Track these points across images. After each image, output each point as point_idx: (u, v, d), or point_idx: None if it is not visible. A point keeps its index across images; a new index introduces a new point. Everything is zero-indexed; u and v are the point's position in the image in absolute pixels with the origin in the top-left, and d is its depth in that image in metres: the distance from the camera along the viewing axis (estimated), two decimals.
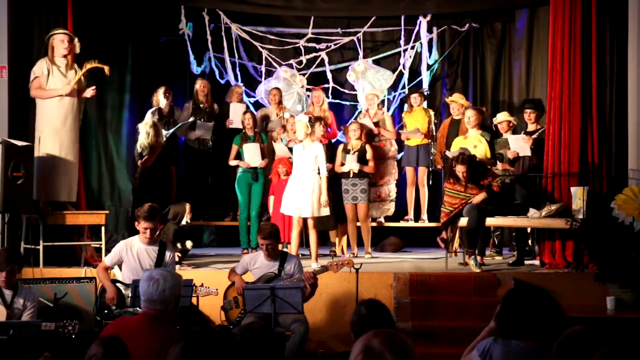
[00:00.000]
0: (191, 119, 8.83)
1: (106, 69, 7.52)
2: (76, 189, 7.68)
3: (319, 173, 7.64)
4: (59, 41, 7.46)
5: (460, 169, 7.22)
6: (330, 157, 8.44)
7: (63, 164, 7.48)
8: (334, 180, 8.53)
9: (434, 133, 9.09)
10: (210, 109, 9.12)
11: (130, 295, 5.75)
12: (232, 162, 8.59)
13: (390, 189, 8.96)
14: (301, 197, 7.60)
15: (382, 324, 3.22)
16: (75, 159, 7.64)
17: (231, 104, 9.12)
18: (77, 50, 7.63)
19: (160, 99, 8.58)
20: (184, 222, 7.49)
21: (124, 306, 5.89)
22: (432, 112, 9.25)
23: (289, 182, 7.77)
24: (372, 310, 3.41)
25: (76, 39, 7.60)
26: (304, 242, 7.94)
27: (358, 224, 8.45)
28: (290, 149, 8.31)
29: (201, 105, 9.05)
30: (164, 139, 7.97)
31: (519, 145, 7.84)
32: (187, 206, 7.54)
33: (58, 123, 7.42)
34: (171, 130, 8.46)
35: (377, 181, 8.81)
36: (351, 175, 8.31)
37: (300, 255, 7.39)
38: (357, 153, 8.29)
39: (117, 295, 5.91)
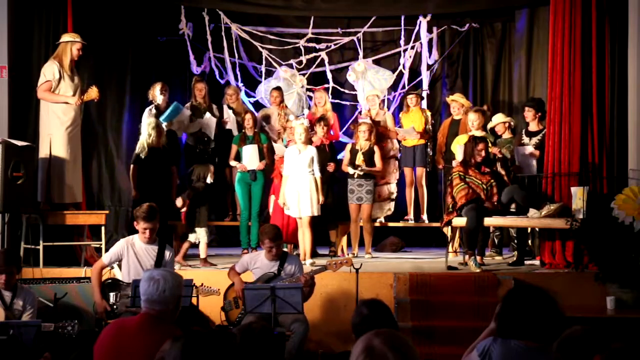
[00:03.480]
0: (188, 112, 8.83)
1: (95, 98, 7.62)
2: (80, 189, 7.72)
3: (313, 174, 7.80)
4: (77, 49, 7.49)
5: (481, 147, 7.33)
6: (332, 158, 8.46)
7: (73, 166, 7.54)
8: (338, 181, 8.54)
9: (432, 133, 9.09)
10: (209, 110, 9.11)
11: (130, 295, 5.74)
12: (232, 163, 8.59)
13: (390, 188, 8.96)
14: (300, 198, 7.71)
15: (384, 324, 3.21)
16: (80, 159, 7.70)
17: (224, 105, 9.12)
18: None
19: (157, 94, 8.55)
20: (208, 181, 7.91)
21: (112, 317, 5.81)
22: (429, 113, 9.25)
23: (287, 185, 7.83)
24: (374, 310, 3.41)
25: None
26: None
27: (360, 223, 8.46)
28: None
29: (200, 107, 9.04)
30: (165, 138, 8.01)
31: (525, 162, 7.81)
32: (211, 167, 7.97)
33: (70, 126, 7.45)
34: (164, 115, 8.41)
35: (379, 181, 8.80)
36: (355, 177, 8.32)
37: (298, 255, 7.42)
38: (360, 155, 8.28)
39: (105, 308, 5.89)
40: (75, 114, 7.50)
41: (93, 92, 7.49)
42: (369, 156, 8.32)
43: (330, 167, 8.28)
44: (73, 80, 7.50)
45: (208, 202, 7.95)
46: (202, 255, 7.82)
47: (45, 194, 7.46)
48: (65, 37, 7.51)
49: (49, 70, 7.40)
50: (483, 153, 7.38)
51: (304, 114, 9.37)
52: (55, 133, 7.42)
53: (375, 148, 8.38)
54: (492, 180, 7.33)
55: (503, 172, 7.56)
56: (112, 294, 5.97)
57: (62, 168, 7.44)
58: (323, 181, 8.03)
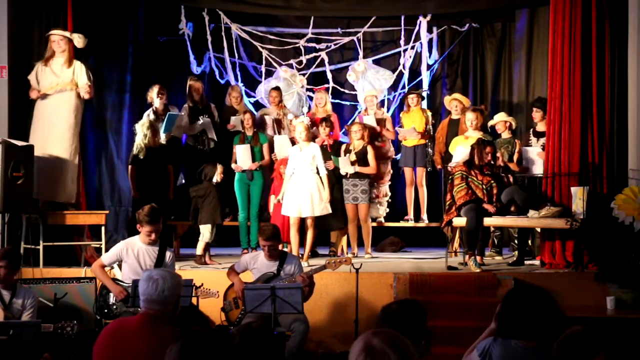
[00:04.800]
0: (183, 114, 8.82)
1: (79, 41, 7.60)
2: (75, 189, 7.68)
3: (317, 173, 7.75)
4: (52, 42, 7.55)
5: (489, 150, 7.35)
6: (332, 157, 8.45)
7: (59, 164, 7.49)
8: (338, 181, 8.53)
9: (432, 133, 9.09)
10: (207, 109, 9.09)
11: (130, 295, 5.74)
12: (234, 165, 8.57)
13: (386, 189, 8.96)
14: (300, 198, 7.69)
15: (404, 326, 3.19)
16: (74, 158, 7.64)
17: (232, 117, 9.05)
18: (81, 45, 7.64)
19: (154, 97, 8.55)
20: (214, 181, 7.99)
21: (112, 317, 5.85)
22: (429, 113, 9.25)
23: (289, 183, 7.83)
24: (403, 310, 3.39)
25: (77, 36, 7.59)
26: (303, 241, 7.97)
27: (359, 224, 8.45)
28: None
29: (199, 107, 9.03)
30: (162, 139, 8.02)
31: (532, 163, 7.85)
32: (219, 167, 7.99)
33: (55, 123, 7.44)
34: (163, 128, 8.41)
35: (377, 181, 8.80)
36: (348, 177, 8.32)
37: (300, 256, 7.42)
38: (352, 155, 8.27)
39: (124, 289, 5.90)
40: (63, 110, 7.47)
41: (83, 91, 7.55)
42: (362, 156, 8.32)
43: (329, 165, 8.26)
44: (60, 73, 7.50)
45: (214, 202, 7.91)
46: (198, 252, 7.83)
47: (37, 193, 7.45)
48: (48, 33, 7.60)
49: (31, 72, 7.54)
50: (489, 156, 7.38)
51: (303, 113, 9.37)
52: (40, 130, 7.42)
53: (369, 148, 8.37)
54: (492, 182, 7.34)
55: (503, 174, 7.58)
56: (112, 294, 5.97)
57: (47, 165, 7.40)
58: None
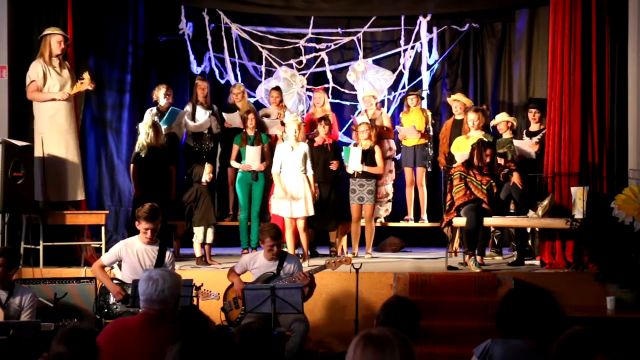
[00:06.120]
0: (186, 110, 8.81)
1: (90, 86, 7.52)
2: (83, 187, 7.68)
3: (305, 172, 7.77)
4: (56, 42, 7.46)
5: (489, 152, 7.32)
6: (335, 157, 8.42)
7: (69, 164, 7.51)
8: (341, 180, 8.52)
9: (431, 133, 9.08)
10: (210, 109, 9.10)
11: (130, 294, 5.74)
12: (234, 164, 8.56)
13: (387, 189, 8.95)
14: (292, 198, 7.68)
15: (401, 323, 3.20)
16: (79, 158, 7.66)
17: (224, 114, 9.04)
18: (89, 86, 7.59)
19: (161, 97, 8.57)
20: (203, 181, 7.94)
21: (112, 317, 5.85)
22: (429, 113, 9.25)
23: (279, 182, 7.81)
24: (398, 307, 3.39)
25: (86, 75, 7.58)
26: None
27: (362, 223, 8.45)
28: None
29: (202, 107, 9.02)
30: (164, 139, 8.03)
31: (526, 152, 7.91)
32: (207, 166, 7.98)
33: (63, 124, 7.43)
34: (163, 120, 8.40)
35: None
36: (355, 176, 8.31)
37: (299, 256, 7.42)
38: (361, 153, 8.27)
39: (122, 289, 5.91)
40: (68, 111, 7.46)
41: (85, 83, 7.46)
42: (369, 156, 8.31)
43: (333, 166, 8.27)
44: (61, 74, 7.47)
45: (206, 203, 7.90)
46: (196, 254, 7.85)
47: (43, 193, 7.44)
48: (45, 32, 7.51)
49: (33, 70, 7.40)
50: (489, 158, 7.37)
51: (300, 113, 9.36)
52: (48, 131, 7.41)
53: (376, 148, 8.37)
54: (492, 182, 7.33)
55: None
56: (112, 294, 5.97)
57: (58, 167, 7.40)
58: (323, 180, 8.02)
